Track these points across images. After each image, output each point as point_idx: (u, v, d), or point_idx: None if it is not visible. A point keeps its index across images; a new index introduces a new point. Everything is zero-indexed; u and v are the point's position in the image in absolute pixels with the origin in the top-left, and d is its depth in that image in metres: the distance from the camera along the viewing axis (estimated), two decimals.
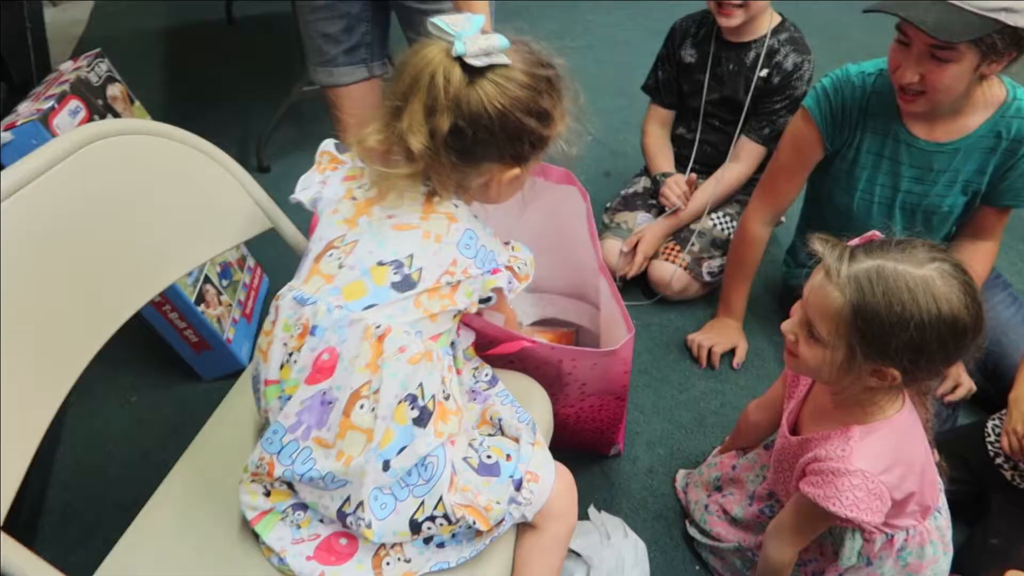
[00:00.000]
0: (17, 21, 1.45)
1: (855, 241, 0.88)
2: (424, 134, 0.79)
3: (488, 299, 0.89)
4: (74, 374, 0.79)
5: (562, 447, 1.36)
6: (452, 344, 0.90)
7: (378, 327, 0.79)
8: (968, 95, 1.27)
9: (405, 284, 0.81)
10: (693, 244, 1.78)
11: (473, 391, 0.96)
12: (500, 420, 0.91)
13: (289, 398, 0.80)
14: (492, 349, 1.04)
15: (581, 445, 1.38)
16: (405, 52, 0.82)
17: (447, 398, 0.83)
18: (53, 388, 0.76)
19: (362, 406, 0.77)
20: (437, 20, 0.79)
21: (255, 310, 1.73)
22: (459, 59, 0.78)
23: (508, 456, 0.86)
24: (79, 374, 0.80)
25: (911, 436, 0.91)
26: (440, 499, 0.78)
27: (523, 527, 0.88)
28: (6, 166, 1.20)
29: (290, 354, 0.81)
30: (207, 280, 1.55)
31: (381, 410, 0.77)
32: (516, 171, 0.86)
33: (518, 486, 0.84)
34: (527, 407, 0.96)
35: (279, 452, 0.79)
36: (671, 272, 1.75)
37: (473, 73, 0.79)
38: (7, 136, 1.20)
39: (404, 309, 0.81)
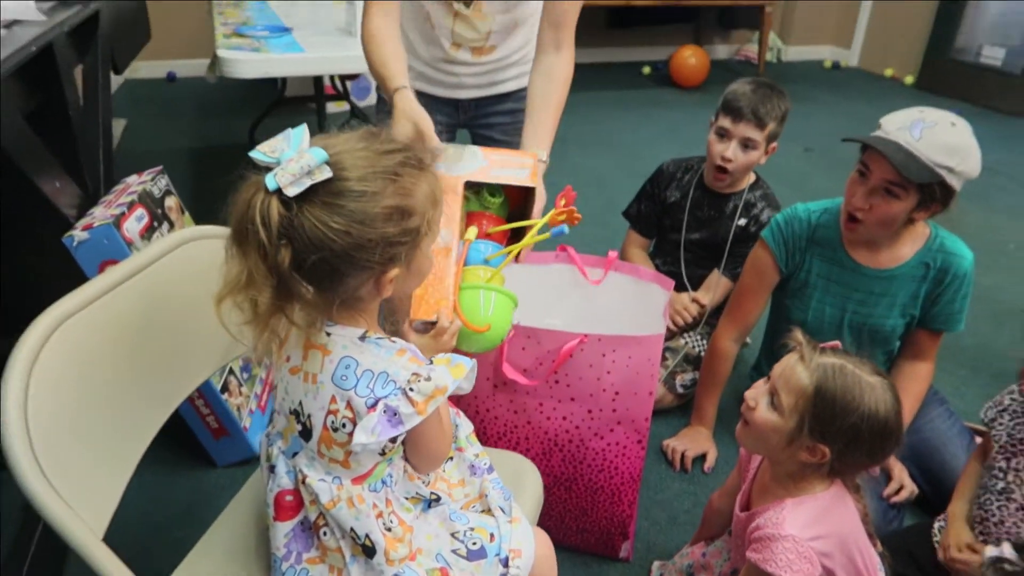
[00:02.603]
0: (94, 136, 1.69)
1: (822, 345, 1.10)
2: (271, 281, 0.74)
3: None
4: (151, 434, 0.96)
5: (570, 543, 1.51)
6: (390, 475, 0.90)
7: (302, 472, 0.87)
8: (899, 231, 1.52)
9: (305, 433, 0.86)
10: (667, 360, 1.97)
11: (473, 466, 1.11)
12: (488, 494, 1.03)
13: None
14: (559, 360, 1.28)
15: (593, 533, 1.50)
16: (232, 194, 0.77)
17: (389, 529, 0.88)
18: (139, 438, 0.92)
19: (325, 532, 0.89)
20: (254, 152, 0.75)
21: (269, 403, 1.88)
22: (277, 191, 0.72)
23: (492, 536, 0.95)
24: (154, 434, 0.96)
25: (838, 510, 1.07)
26: None
27: None
28: (82, 263, 1.42)
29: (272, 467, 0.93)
30: (231, 372, 1.72)
31: (340, 542, 0.88)
32: (395, 271, 0.80)
33: (505, 563, 0.95)
34: (520, 487, 1.12)
35: None
36: None
37: (299, 200, 0.73)
38: (84, 235, 1.40)
39: (311, 459, 0.87)
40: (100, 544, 0.79)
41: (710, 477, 1.78)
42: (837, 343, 1.11)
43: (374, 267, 0.78)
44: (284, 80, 3.66)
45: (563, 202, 1.14)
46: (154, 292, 0.96)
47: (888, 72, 5.43)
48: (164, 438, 1.71)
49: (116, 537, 1.50)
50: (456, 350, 1.04)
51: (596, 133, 4.11)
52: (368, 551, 0.87)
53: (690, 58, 4.96)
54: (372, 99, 4.01)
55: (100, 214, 1.47)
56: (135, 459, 0.92)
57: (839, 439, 1.02)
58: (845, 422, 1.01)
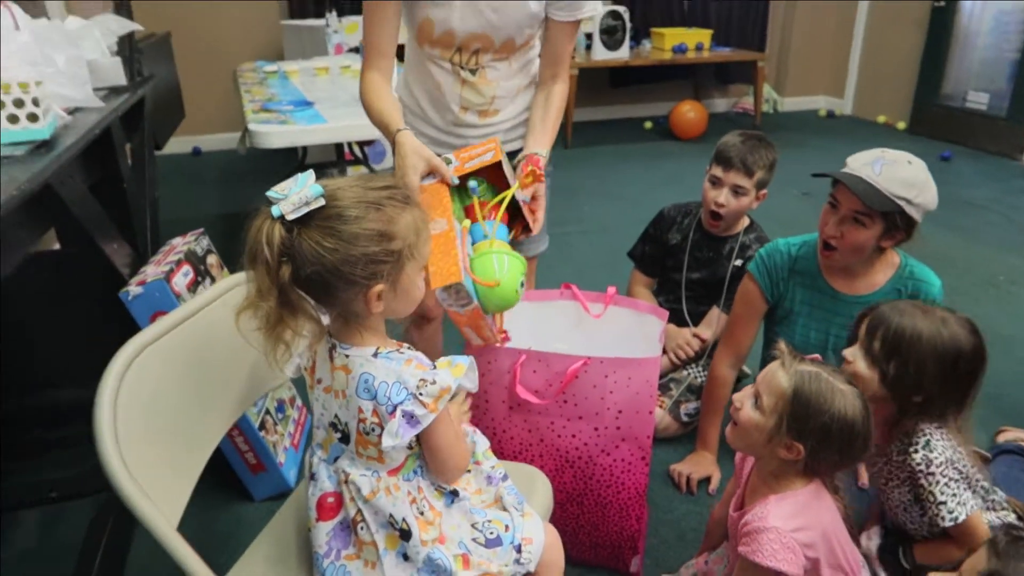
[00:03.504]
0: (143, 205, 1.89)
1: (804, 356, 1.24)
2: (274, 293, 0.89)
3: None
4: (213, 445, 1.11)
5: (583, 558, 1.63)
6: (420, 467, 1.04)
7: (344, 472, 1.02)
8: (871, 259, 1.67)
9: (344, 439, 1.02)
10: (672, 390, 2.11)
11: (490, 477, 1.25)
12: (503, 498, 1.17)
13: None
14: (566, 381, 1.44)
15: (605, 547, 1.61)
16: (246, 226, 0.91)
17: (421, 513, 1.02)
18: (203, 448, 1.08)
19: (362, 528, 1.02)
20: (269, 192, 0.90)
21: (300, 442, 2.03)
22: (281, 218, 0.88)
23: (507, 527, 1.09)
24: (216, 445, 1.12)
25: (817, 506, 1.19)
26: None
27: None
28: (136, 314, 1.59)
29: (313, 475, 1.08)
30: (267, 412, 1.87)
31: (375, 535, 1.00)
32: (379, 287, 0.93)
33: (518, 549, 1.08)
34: (531, 492, 1.26)
35: (324, 573, 1.04)
36: (658, 415, 2.07)
37: (298, 224, 0.88)
38: (139, 290, 1.58)
39: (352, 459, 1.02)
40: (175, 532, 0.93)
41: (714, 498, 1.89)
42: (818, 356, 1.26)
43: (359, 281, 0.92)
44: (305, 148, 3.91)
45: (529, 168, 1.41)
46: (212, 327, 1.13)
47: (881, 119, 5.64)
48: (203, 474, 1.87)
49: (164, 571, 1.65)
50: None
51: (602, 184, 4.33)
52: (405, 535, 1.01)
53: (689, 112, 5.22)
54: (388, 163, 4.25)
55: (151, 271, 1.65)
56: (200, 465, 1.07)
57: (812, 437, 1.15)
58: (817, 422, 1.15)
